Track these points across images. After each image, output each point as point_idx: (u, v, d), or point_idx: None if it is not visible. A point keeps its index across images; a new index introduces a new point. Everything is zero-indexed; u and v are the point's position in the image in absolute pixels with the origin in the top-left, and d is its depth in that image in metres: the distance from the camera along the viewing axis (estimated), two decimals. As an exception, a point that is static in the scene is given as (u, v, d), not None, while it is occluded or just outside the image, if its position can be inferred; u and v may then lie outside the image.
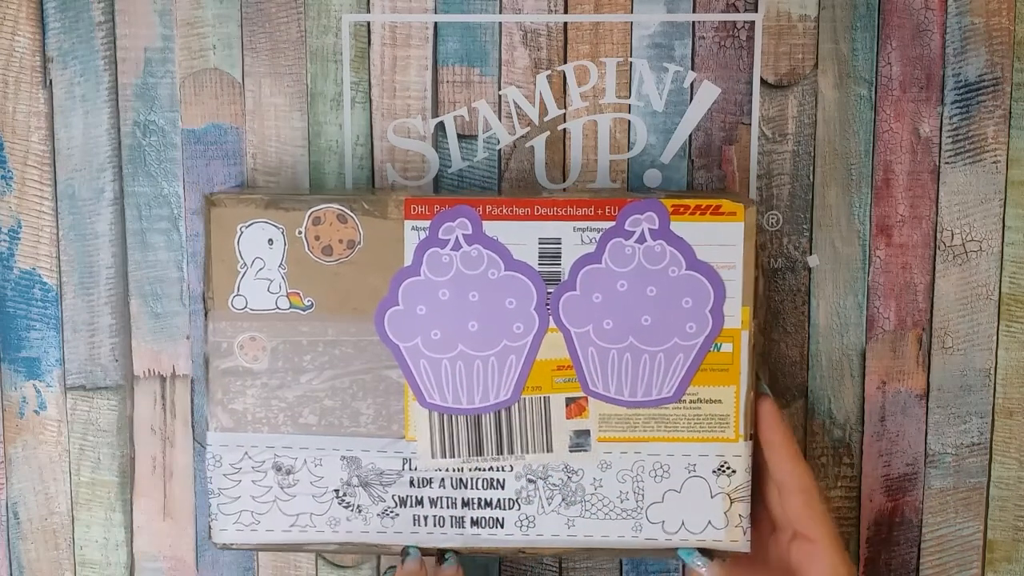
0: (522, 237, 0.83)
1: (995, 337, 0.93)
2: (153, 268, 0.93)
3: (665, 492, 0.86)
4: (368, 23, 0.90)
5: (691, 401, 0.85)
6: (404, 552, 0.86)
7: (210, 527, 0.87)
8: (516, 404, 0.85)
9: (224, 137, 0.92)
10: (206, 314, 0.85)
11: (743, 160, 0.91)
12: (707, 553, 0.86)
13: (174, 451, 0.95)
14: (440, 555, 0.87)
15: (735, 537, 0.86)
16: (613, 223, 0.83)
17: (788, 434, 0.84)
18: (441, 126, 0.91)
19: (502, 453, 0.85)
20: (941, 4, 0.90)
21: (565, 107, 0.91)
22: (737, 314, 0.84)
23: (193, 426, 0.94)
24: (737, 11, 0.90)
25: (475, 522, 0.86)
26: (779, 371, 0.93)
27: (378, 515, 0.86)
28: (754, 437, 0.85)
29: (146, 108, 0.91)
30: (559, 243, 0.83)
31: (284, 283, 0.84)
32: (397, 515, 0.86)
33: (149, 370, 0.94)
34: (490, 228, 0.83)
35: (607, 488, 0.86)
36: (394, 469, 0.86)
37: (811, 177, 0.91)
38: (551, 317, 0.84)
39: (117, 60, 0.91)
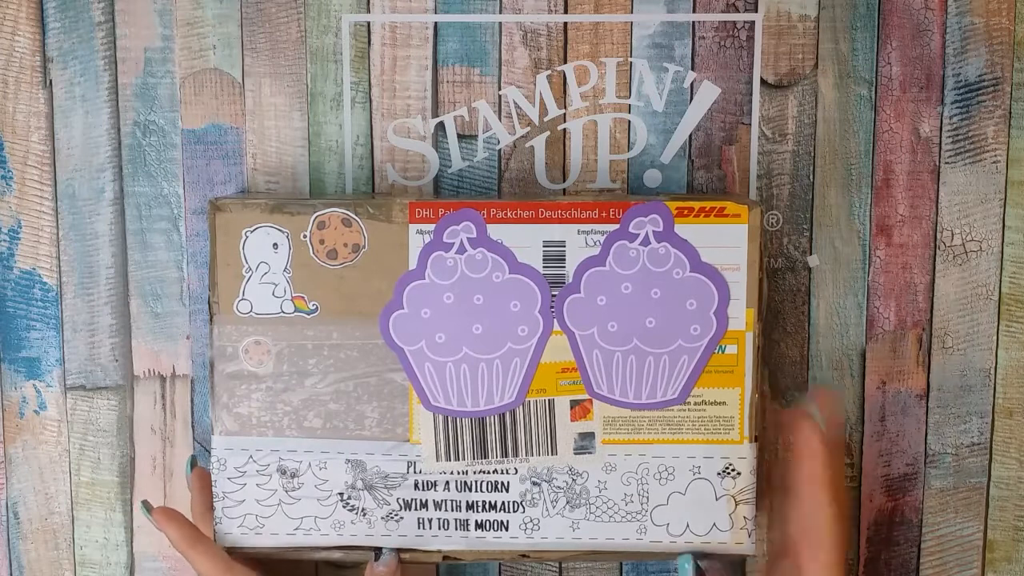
0: (526, 240, 0.83)
1: (995, 337, 0.93)
2: (153, 268, 0.92)
3: (670, 494, 0.86)
4: (368, 23, 0.90)
5: (696, 403, 0.85)
6: (377, 554, 0.87)
7: (215, 530, 0.87)
8: (520, 407, 0.85)
9: (224, 137, 0.91)
10: (211, 318, 0.84)
11: (743, 160, 0.91)
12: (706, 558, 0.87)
13: (174, 451, 0.95)
14: (376, 553, 0.87)
15: (740, 539, 0.86)
16: (617, 226, 0.83)
17: (833, 474, 0.81)
18: (441, 126, 0.91)
19: (507, 456, 0.85)
20: (941, 4, 0.90)
21: (565, 107, 0.91)
22: (741, 316, 0.84)
23: (193, 426, 0.94)
24: (737, 11, 0.90)
25: (479, 525, 0.86)
26: (779, 371, 0.93)
27: (382, 518, 0.86)
28: (761, 440, 0.86)
29: (146, 108, 0.91)
30: (563, 246, 0.83)
31: (289, 287, 0.84)
32: (401, 518, 0.86)
33: (149, 370, 0.94)
34: (494, 231, 0.83)
35: (612, 491, 0.86)
36: (398, 472, 0.86)
37: (811, 177, 0.91)
38: (556, 320, 0.84)
39: (117, 60, 0.91)
